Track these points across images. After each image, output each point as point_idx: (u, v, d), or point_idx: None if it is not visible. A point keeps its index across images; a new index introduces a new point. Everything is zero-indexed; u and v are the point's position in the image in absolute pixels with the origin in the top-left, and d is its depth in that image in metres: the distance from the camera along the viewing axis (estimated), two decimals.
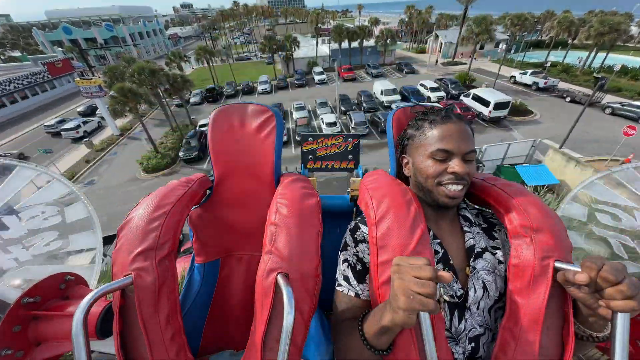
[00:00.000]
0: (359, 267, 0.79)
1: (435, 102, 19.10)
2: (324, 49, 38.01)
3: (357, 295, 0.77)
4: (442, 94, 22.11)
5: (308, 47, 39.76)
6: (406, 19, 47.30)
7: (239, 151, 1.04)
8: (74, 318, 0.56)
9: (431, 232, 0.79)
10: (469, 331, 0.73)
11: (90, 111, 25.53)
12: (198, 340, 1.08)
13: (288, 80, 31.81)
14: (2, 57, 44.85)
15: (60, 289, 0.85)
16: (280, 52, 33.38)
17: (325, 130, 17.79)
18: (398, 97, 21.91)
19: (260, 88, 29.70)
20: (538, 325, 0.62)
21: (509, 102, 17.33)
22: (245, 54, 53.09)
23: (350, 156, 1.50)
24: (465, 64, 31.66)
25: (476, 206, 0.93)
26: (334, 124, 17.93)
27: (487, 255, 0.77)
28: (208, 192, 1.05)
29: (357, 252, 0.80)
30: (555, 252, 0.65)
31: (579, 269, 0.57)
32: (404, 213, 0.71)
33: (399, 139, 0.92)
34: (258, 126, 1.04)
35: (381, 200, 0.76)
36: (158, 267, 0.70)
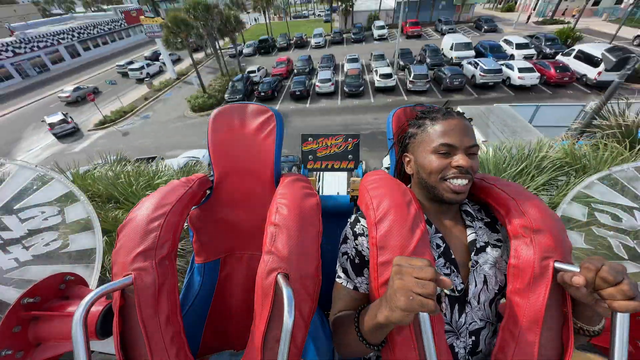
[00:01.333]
0: (357, 260, 0.79)
1: (521, 61, 14.90)
2: (389, 2, 33.05)
3: (355, 288, 0.78)
4: (531, 51, 17.01)
5: (370, 2, 35.32)
6: None
7: (239, 151, 1.04)
8: (74, 318, 0.56)
9: (433, 226, 0.79)
10: (469, 325, 0.73)
11: (155, 57, 28.18)
12: (198, 340, 1.08)
13: (344, 35, 29.60)
14: (92, 10, 50.10)
15: (60, 289, 0.85)
16: (339, 4, 30.51)
17: (378, 82, 15.94)
18: (472, 52, 17.55)
19: (313, 42, 28.37)
20: (538, 325, 0.62)
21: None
22: (303, 12, 51.71)
23: (350, 156, 1.50)
24: (568, 23, 23.11)
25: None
26: (389, 75, 15.75)
27: (489, 249, 0.77)
28: (208, 192, 1.05)
29: (356, 245, 0.80)
30: (555, 253, 0.65)
31: (578, 269, 0.57)
32: (404, 213, 0.71)
33: (400, 138, 0.91)
34: (258, 126, 1.04)
35: (381, 201, 0.76)
36: (158, 267, 0.70)
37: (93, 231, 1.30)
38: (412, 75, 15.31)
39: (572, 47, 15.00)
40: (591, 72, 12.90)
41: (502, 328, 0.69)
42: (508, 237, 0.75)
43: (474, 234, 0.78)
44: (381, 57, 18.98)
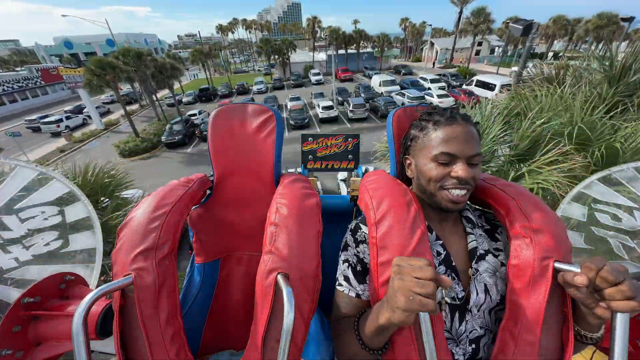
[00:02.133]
0: (359, 267, 0.79)
1: (438, 92, 19.40)
2: (321, 56, 39.61)
3: (357, 295, 0.77)
4: (442, 84, 22.14)
5: (305, 56, 41.49)
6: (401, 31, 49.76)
7: (239, 151, 1.04)
8: (74, 318, 0.56)
9: (434, 233, 0.78)
10: (470, 333, 0.72)
11: (79, 110, 25.10)
12: (198, 340, 1.08)
13: (284, 82, 31.87)
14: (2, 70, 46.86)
15: (60, 289, 0.85)
16: (277, 57, 34.00)
17: (322, 114, 17.95)
18: (397, 87, 21.95)
19: (255, 88, 29.64)
20: (538, 325, 0.62)
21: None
22: (243, 68, 55.33)
23: (350, 156, 1.50)
24: (460, 66, 33.81)
25: (478, 207, 0.93)
26: (331, 107, 17.68)
27: (489, 257, 0.76)
28: (208, 192, 1.05)
29: (358, 252, 0.80)
30: (555, 253, 0.65)
31: (579, 269, 0.57)
32: (404, 213, 0.71)
33: (402, 139, 0.91)
34: (258, 126, 1.04)
35: (381, 201, 0.75)
36: (158, 267, 0.70)
37: (93, 231, 1.30)
38: (351, 105, 17.96)
39: (472, 79, 20.60)
40: (489, 94, 18.15)
41: (502, 328, 0.69)
42: (508, 238, 0.75)
43: (474, 241, 0.78)
44: (321, 94, 21.97)
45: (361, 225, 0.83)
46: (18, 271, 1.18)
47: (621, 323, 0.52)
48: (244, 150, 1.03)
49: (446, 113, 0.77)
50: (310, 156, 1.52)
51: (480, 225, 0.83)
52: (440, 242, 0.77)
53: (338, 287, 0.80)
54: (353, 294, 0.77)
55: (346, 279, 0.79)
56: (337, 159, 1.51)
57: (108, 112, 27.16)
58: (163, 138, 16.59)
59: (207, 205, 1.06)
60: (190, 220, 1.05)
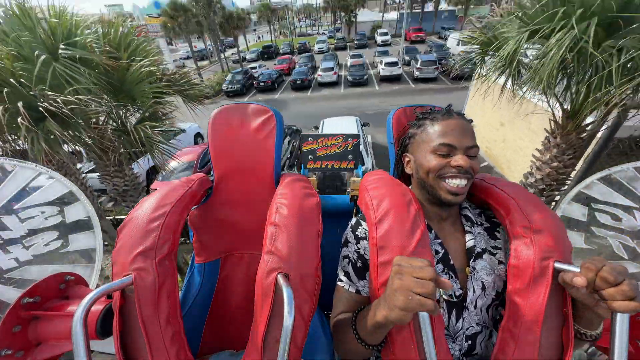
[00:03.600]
0: (359, 264, 0.79)
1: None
2: (392, 15, 33.81)
3: (357, 291, 0.78)
4: None
5: (373, 15, 36.37)
6: None
7: (239, 151, 1.04)
8: (74, 318, 0.56)
9: (432, 231, 0.79)
10: (466, 329, 0.73)
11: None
12: (198, 340, 1.08)
13: (347, 43, 29.51)
14: None
15: (60, 289, 0.85)
16: (344, 15, 31.10)
17: (383, 71, 15.55)
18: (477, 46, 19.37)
19: (316, 47, 28.19)
20: (538, 325, 0.62)
21: None
22: (307, 32, 54.22)
23: (350, 156, 1.50)
24: None
25: (478, 207, 0.93)
26: (395, 64, 15.62)
27: (486, 256, 0.77)
28: (208, 192, 1.05)
29: (359, 249, 0.80)
30: (555, 253, 0.65)
31: (579, 270, 0.57)
32: (404, 213, 0.71)
33: (400, 138, 0.92)
34: (258, 126, 1.04)
35: (381, 201, 0.75)
36: (158, 267, 0.70)
37: (93, 231, 1.30)
38: (419, 62, 15.03)
39: None
40: None
41: (502, 328, 0.69)
42: (508, 238, 0.75)
43: (472, 240, 0.78)
44: (385, 52, 18.99)
45: (362, 221, 0.83)
46: (18, 271, 1.18)
47: (621, 323, 0.52)
48: (244, 150, 1.03)
49: (442, 110, 0.80)
50: (310, 156, 1.52)
51: (479, 223, 0.84)
52: (439, 240, 0.78)
53: (338, 283, 0.81)
54: (353, 290, 0.78)
55: (346, 274, 0.80)
56: (337, 159, 1.51)
57: (183, 67, 29.14)
58: (224, 86, 17.79)
59: (207, 205, 1.06)
60: (190, 220, 1.05)
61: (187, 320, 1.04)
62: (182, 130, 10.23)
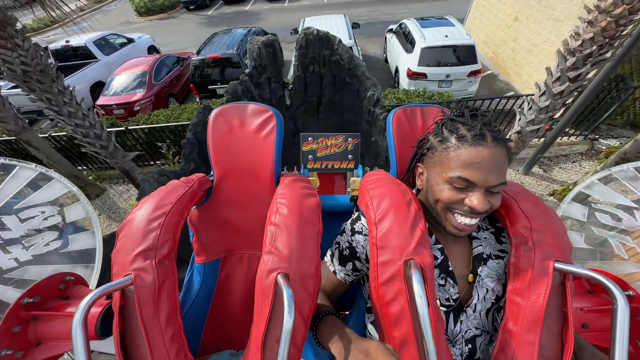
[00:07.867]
0: (346, 252, 0.82)
1: None
2: None
3: (334, 272, 0.85)
4: None
5: None
6: None
7: (239, 151, 1.04)
8: (74, 318, 0.56)
9: (433, 236, 0.78)
10: (465, 333, 0.73)
11: None
12: (198, 340, 1.08)
13: None
14: None
15: (60, 289, 0.85)
16: None
17: None
18: None
19: None
20: (538, 325, 0.62)
21: None
22: None
23: (350, 156, 1.50)
24: None
25: None
26: None
27: (490, 262, 0.76)
28: (208, 192, 1.05)
29: (351, 240, 0.81)
30: (555, 253, 0.65)
31: (579, 269, 0.57)
32: (404, 213, 0.71)
33: (419, 142, 0.83)
34: (258, 126, 1.04)
35: (381, 201, 0.75)
36: (158, 267, 0.70)
37: (93, 231, 1.30)
38: None
39: None
40: None
41: (502, 328, 0.69)
42: (509, 238, 0.74)
43: (480, 246, 0.77)
44: None
45: (362, 216, 0.83)
46: (18, 271, 1.18)
47: (621, 323, 0.52)
48: (243, 150, 1.03)
49: (476, 125, 0.65)
50: (310, 156, 1.52)
51: (484, 227, 0.82)
52: (439, 246, 0.77)
53: (324, 258, 0.87)
54: (332, 269, 0.86)
55: (332, 255, 0.87)
56: (337, 159, 1.51)
57: None
58: None
59: (207, 205, 1.06)
60: (190, 220, 1.05)
61: (187, 320, 1.05)
62: (130, 40, 9.05)
